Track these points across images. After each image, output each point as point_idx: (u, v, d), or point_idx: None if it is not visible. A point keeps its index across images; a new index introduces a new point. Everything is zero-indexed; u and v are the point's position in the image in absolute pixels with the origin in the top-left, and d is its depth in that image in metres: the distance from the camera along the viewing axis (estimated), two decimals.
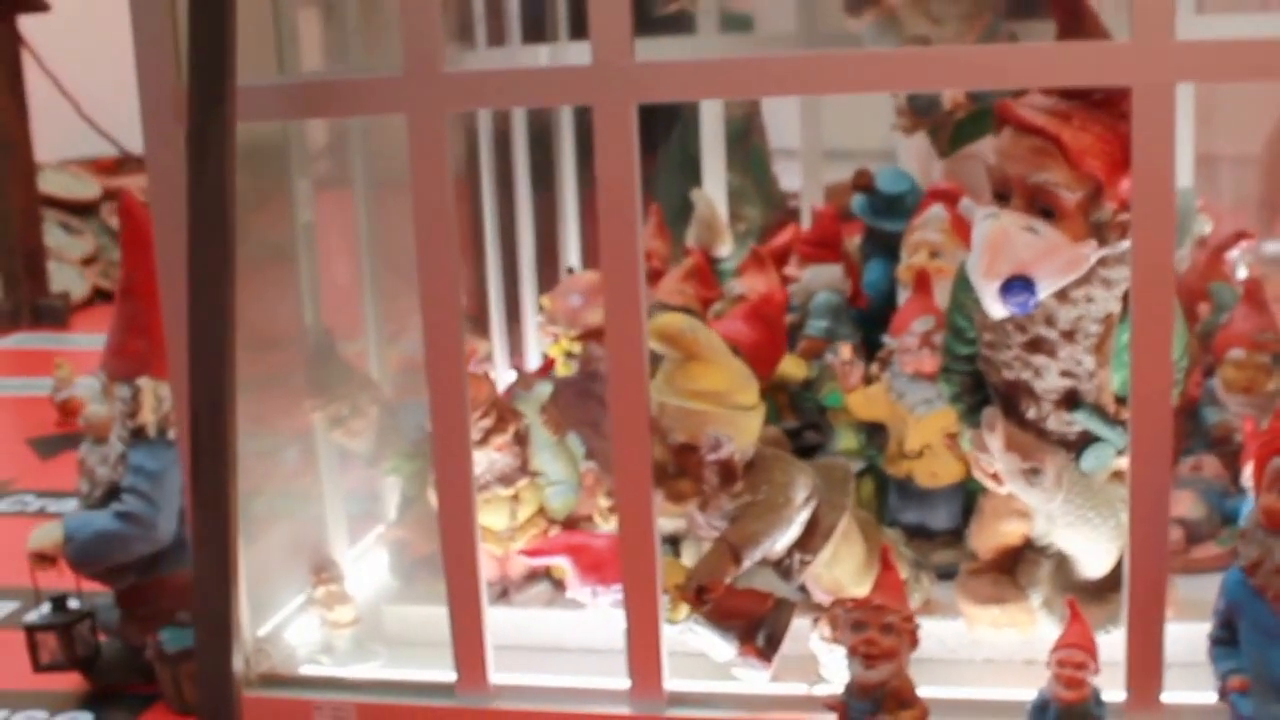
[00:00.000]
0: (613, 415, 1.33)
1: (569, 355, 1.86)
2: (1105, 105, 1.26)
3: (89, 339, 3.55)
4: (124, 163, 4.75)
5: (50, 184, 3.95)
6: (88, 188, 4.47)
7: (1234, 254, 1.93)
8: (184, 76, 1.33)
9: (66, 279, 3.95)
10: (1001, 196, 1.29)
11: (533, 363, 2.28)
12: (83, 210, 4.39)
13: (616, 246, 1.30)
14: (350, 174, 1.78)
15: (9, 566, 1.99)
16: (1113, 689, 1.26)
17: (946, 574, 1.51)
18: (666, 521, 1.40)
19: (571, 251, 2.40)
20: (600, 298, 1.93)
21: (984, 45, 1.63)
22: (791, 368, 1.73)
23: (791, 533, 1.38)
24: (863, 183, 1.87)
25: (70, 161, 4.45)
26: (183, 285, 1.30)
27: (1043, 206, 1.26)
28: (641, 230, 1.30)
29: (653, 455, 1.33)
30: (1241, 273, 1.94)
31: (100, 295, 4.10)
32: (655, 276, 1.93)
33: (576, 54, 2.30)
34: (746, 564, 1.35)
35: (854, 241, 1.97)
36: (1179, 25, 1.18)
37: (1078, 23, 1.26)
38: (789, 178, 2.66)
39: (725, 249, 2.15)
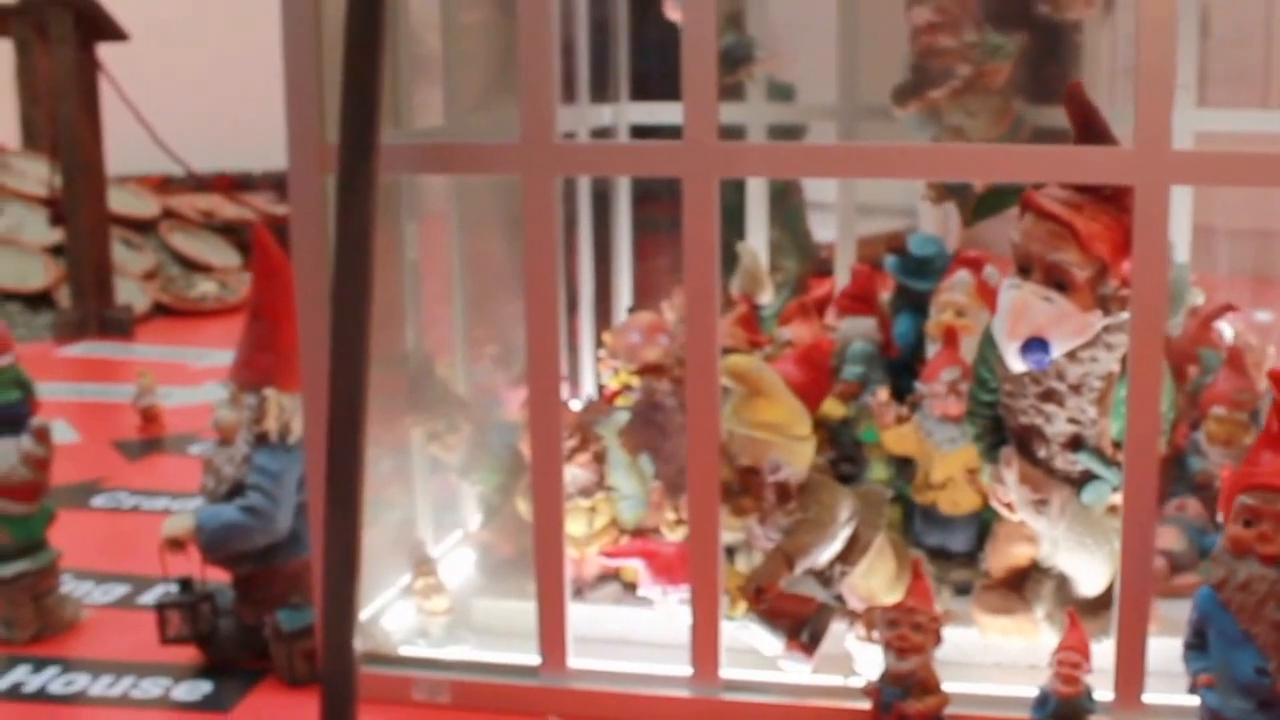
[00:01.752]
0: (689, 440, 1.48)
1: (627, 387, 2.03)
2: (1112, 199, 1.40)
3: (152, 350, 3.67)
4: (169, 182, 4.86)
5: (113, 201, 4.03)
6: (147, 205, 4.54)
7: (1221, 323, 2.03)
8: (327, 132, 1.49)
9: (127, 293, 4.01)
10: (1024, 270, 1.43)
11: (586, 393, 2.43)
12: (143, 227, 4.46)
13: (699, 298, 1.45)
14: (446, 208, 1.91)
15: (116, 555, 2.15)
16: (1102, 690, 1.41)
17: (963, 589, 1.66)
18: (725, 533, 1.52)
19: (624, 290, 2.53)
20: (657, 335, 2.13)
21: (1017, 146, 1.74)
22: (830, 407, 1.84)
23: (835, 546, 1.53)
24: (896, 245, 2.02)
25: (122, 178, 4.48)
26: (322, 314, 1.44)
27: (1058, 280, 1.40)
28: (718, 283, 1.45)
29: (720, 475, 1.49)
30: (1227, 340, 2.01)
31: (160, 310, 4.15)
32: None
33: (636, 113, 2.47)
34: (798, 571, 1.51)
35: (884, 296, 2.07)
36: (1177, 119, 1.35)
37: (1091, 130, 1.42)
38: (820, 230, 2.79)
39: (766, 297, 2.27)
